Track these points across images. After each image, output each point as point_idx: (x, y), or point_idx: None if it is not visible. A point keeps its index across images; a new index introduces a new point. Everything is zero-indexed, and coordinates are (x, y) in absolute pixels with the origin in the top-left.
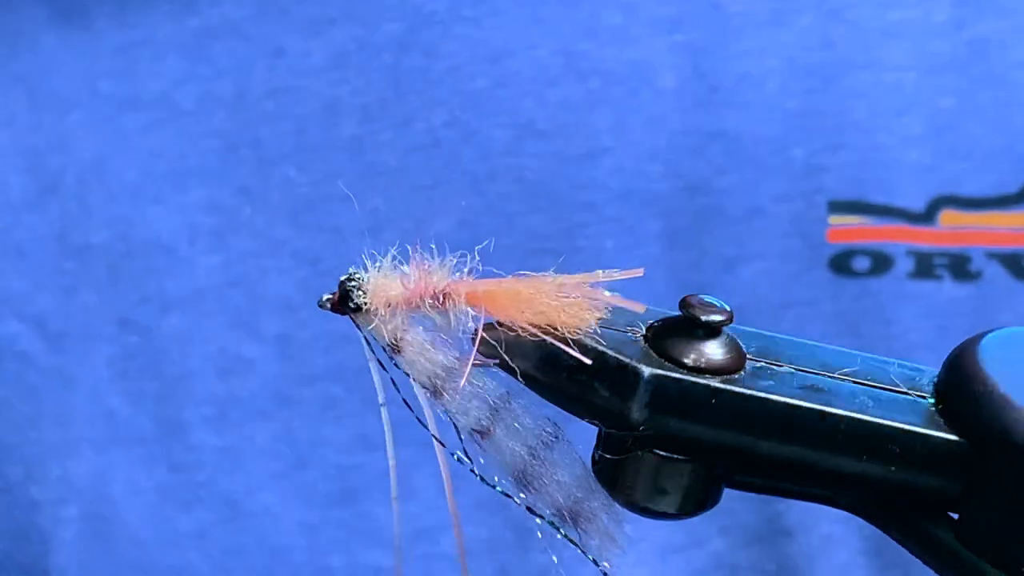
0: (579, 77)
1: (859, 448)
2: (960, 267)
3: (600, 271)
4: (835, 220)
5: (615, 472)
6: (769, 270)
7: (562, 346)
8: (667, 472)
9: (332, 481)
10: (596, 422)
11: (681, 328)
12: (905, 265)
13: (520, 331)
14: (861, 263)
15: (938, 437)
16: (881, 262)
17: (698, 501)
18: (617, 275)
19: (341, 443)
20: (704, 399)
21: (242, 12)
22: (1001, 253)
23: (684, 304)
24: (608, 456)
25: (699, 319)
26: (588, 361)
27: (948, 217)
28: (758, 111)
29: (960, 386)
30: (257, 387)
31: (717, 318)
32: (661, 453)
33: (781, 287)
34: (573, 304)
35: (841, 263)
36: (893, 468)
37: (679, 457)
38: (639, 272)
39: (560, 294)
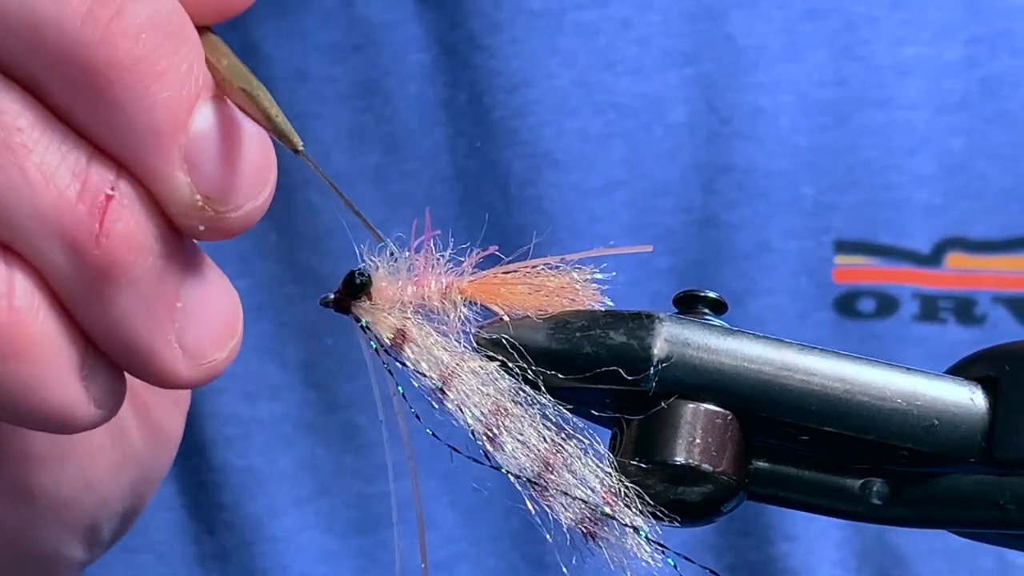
0: (596, 109)
1: (879, 391)
2: (965, 310)
3: (604, 247)
4: (841, 260)
5: (643, 433)
6: (777, 306)
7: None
8: (696, 418)
9: (353, 509)
10: (613, 378)
11: (683, 304)
12: (910, 307)
13: (529, 314)
14: (866, 304)
15: (960, 379)
16: (887, 304)
17: (735, 458)
18: (624, 249)
19: (363, 472)
20: (720, 335)
21: (262, 33)
22: (1007, 297)
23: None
24: (634, 417)
25: (699, 293)
26: (601, 308)
27: (955, 259)
28: (769, 146)
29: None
30: (281, 413)
31: (713, 294)
32: (688, 403)
33: (788, 324)
34: (577, 286)
35: (847, 304)
36: (918, 403)
37: (707, 405)
38: (648, 247)
39: (563, 280)
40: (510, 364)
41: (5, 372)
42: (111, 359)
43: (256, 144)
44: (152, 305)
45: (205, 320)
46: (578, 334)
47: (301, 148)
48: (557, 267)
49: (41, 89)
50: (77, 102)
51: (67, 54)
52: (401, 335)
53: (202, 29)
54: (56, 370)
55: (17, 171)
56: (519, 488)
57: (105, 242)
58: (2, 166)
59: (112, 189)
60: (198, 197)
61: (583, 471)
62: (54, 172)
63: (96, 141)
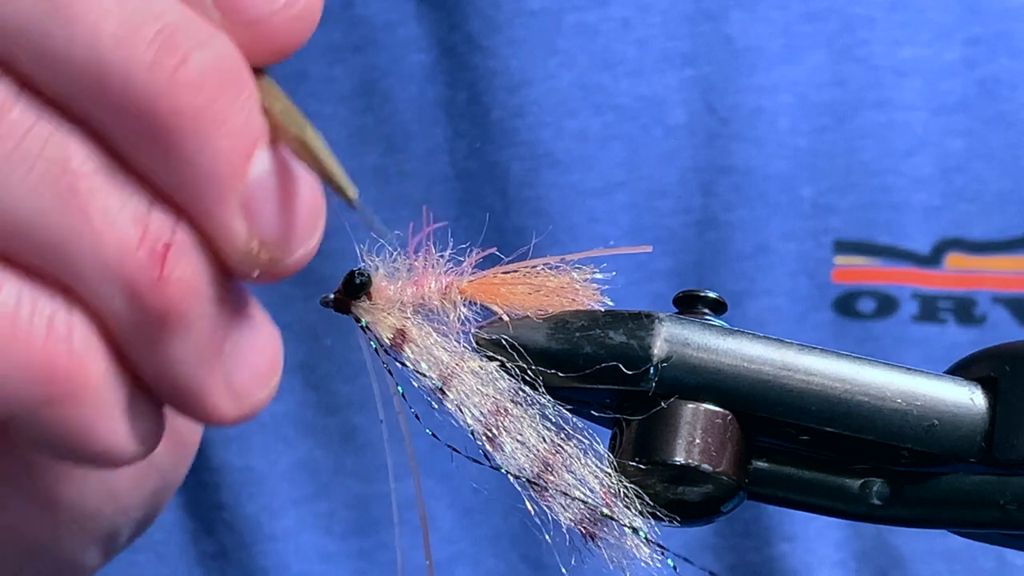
0: (595, 110)
1: (879, 391)
2: (965, 311)
3: (604, 247)
4: (841, 260)
5: (642, 433)
6: (776, 308)
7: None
8: (696, 418)
9: (352, 510)
10: (613, 378)
11: (683, 304)
12: (910, 308)
13: (529, 314)
14: (866, 305)
15: (959, 379)
16: (886, 304)
17: (735, 457)
18: (623, 250)
19: (363, 472)
20: (720, 335)
21: None
22: (1007, 297)
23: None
24: (634, 418)
25: (698, 293)
26: (601, 308)
27: (954, 260)
28: (768, 147)
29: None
30: (280, 413)
31: (713, 294)
32: (687, 403)
33: (787, 325)
34: (577, 286)
35: (846, 304)
36: (918, 403)
37: (707, 406)
38: (648, 248)
39: (563, 279)
40: (509, 364)
41: (59, 415)
42: (157, 398)
43: (308, 189)
44: (204, 348)
45: (251, 361)
46: (578, 334)
47: (356, 199)
48: (557, 267)
49: (103, 134)
50: (138, 148)
51: (131, 101)
52: (401, 335)
53: (256, 71)
54: (107, 411)
55: (81, 216)
56: (518, 488)
57: (164, 288)
58: (67, 211)
59: (172, 235)
60: (254, 244)
61: (583, 471)
62: (116, 218)
63: (156, 187)
